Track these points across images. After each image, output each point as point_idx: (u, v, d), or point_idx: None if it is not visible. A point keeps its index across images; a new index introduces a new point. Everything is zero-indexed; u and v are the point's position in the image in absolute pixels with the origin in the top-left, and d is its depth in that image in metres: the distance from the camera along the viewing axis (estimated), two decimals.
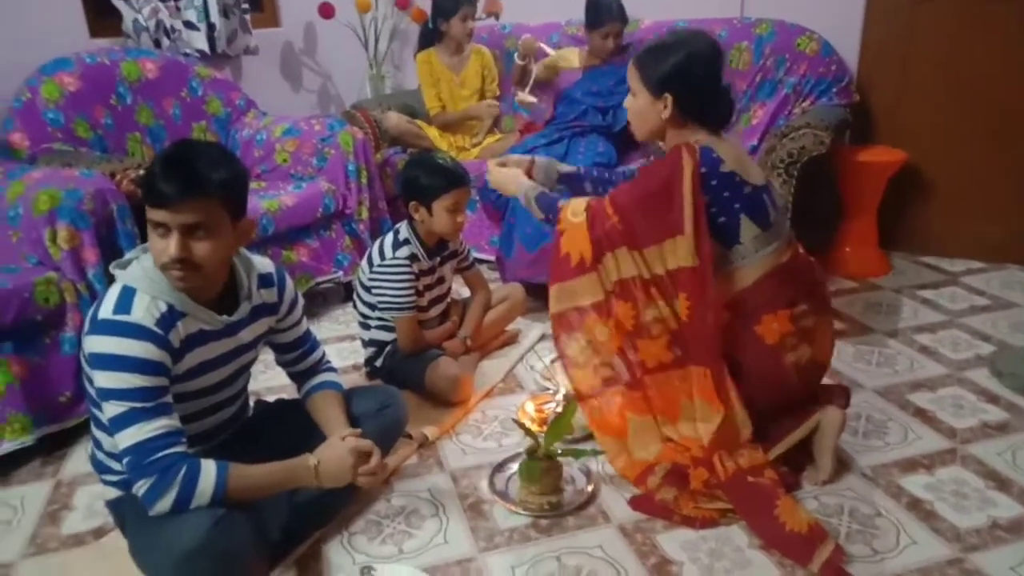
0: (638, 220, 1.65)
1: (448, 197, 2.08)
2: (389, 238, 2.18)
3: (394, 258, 2.12)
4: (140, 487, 1.31)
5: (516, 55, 3.32)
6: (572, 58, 3.21)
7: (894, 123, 3.10)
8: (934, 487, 1.73)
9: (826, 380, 1.86)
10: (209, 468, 1.34)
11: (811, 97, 2.95)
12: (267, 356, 1.71)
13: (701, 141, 1.64)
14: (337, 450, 1.48)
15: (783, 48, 3.00)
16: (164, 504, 1.30)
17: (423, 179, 2.09)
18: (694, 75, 1.64)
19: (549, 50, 3.24)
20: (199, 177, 1.30)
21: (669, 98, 1.64)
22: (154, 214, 1.31)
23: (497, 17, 3.61)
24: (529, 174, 2.04)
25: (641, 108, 1.70)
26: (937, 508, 1.66)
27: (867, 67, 3.11)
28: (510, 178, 1.99)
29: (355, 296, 2.28)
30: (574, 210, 1.75)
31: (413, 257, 2.15)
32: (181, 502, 1.30)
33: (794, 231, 2.47)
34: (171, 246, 1.30)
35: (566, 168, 2.06)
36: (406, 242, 2.15)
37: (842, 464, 1.80)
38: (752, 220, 1.64)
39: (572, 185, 2.05)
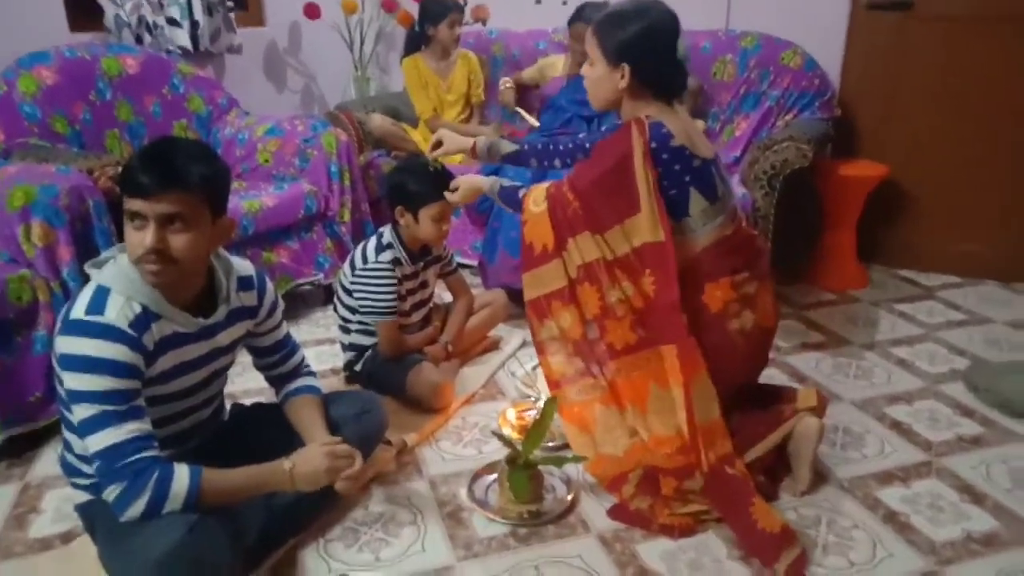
0: (597, 201, 1.67)
1: (435, 206, 2.07)
2: (372, 242, 2.16)
3: (377, 262, 2.11)
4: (111, 492, 1.28)
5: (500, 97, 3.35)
6: (558, 65, 3.22)
7: (876, 138, 3.14)
8: (910, 500, 1.74)
9: (803, 387, 1.87)
10: (182, 472, 1.31)
11: (794, 110, 2.98)
12: (244, 359, 1.68)
13: (652, 115, 1.64)
14: (314, 455, 1.46)
15: (767, 61, 3.02)
16: (135, 510, 1.27)
17: (411, 185, 2.08)
18: (653, 46, 1.64)
19: (526, 115, 3.27)
20: (179, 169, 1.29)
21: (627, 68, 1.63)
22: (132, 203, 1.28)
23: (484, 22, 3.61)
24: (473, 154, 2.04)
25: (599, 77, 1.69)
26: (913, 521, 1.67)
27: (850, 82, 3.15)
28: (470, 183, 1.98)
29: (336, 299, 2.25)
30: (535, 199, 1.78)
31: (396, 261, 2.13)
32: (153, 507, 1.28)
33: (772, 242, 2.52)
34: (147, 236, 1.28)
35: (509, 147, 2.03)
36: (389, 246, 2.13)
37: (819, 475, 1.80)
38: (700, 193, 1.65)
39: (518, 162, 2.04)
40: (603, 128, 3.03)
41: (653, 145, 1.61)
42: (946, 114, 3.00)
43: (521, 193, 1.84)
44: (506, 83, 3.34)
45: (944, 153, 3.04)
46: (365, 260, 2.12)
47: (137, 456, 1.28)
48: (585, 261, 1.70)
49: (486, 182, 1.95)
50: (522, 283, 1.82)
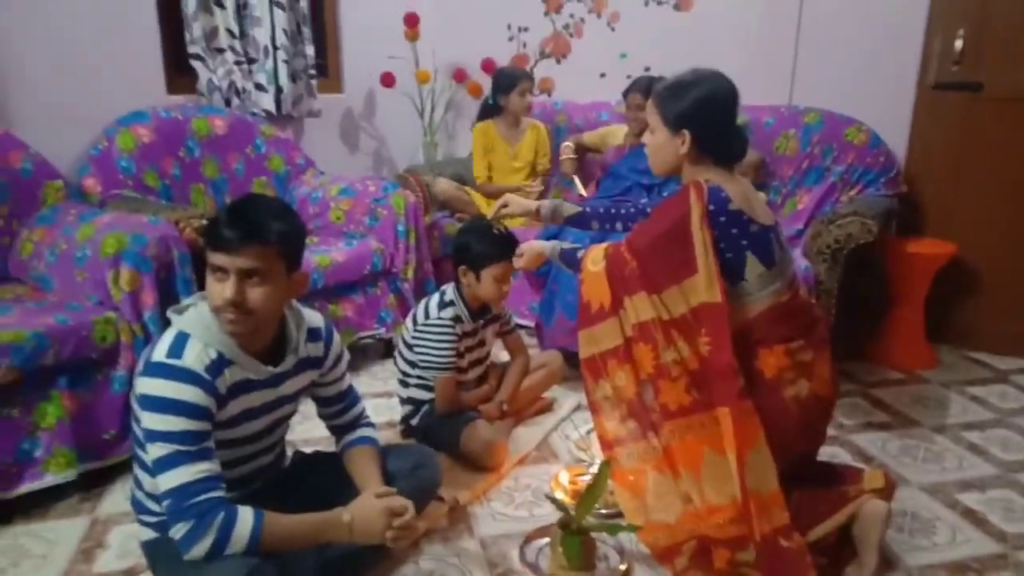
0: (654, 261, 1.68)
1: (497, 267, 2.13)
2: (435, 298, 2.22)
3: (439, 318, 2.16)
4: (178, 530, 1.32)
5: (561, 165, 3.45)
6: (619, 134, 3.30)
7: (943, 216, 3.09)
8: None
9: (869, 468, 1.81)
10: (246, 516, 1.35)
11: (858, 186, 2.97)
12: (306, 408, 1.73)
13: (711, 180, 1.66)
14: (371, 507, 1.48)
15: (831, 137, 3.04)
16: (200, 549, 1.31)
17: (475, 246, 2.15)
18: (712, 113, 1.68)
19: (578, 184, 3.37)
20: (260, 225, 1.36)
21: (687, 135, 1.67)
22: (215, 258, 1.36)
23: (549, 93, 3.74)
24: (537, 217, 2.12)
25: (660, 144, 1.73)
26: None
27: (915, 159, 3.12)
28: (532, 249, 2.04)
29: (396, 353, 2.31)
30: (593, 258, 1.81)
31: (457, 318, 2.18)
32: (217, 548, 1.31)
33: (835, 317, 2.48)
34: (227, 289, 1.35)
35: (572, 209, 2.09)
36: (451, 303, 2.19)
37: (887, 562, 1.73)
38: (758, 258, 1.65)
39: (580, 224, 2.12)
40: (664, 195, 3.10)
41: (711, 208, 1.63)
42: (1013, 194, 2.94)
43: (580, 253, 1.88)
44: (567, 150, 3.43)
45: (1012, 233, 2.97)
46: (427, 315, 2.18)
47: (205, 496, 1.32)
48: (640, 320, 1.71)
49: (547, 246, 2.00)
50: (578, 343, 1.83)
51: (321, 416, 1.73)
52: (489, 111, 3.53)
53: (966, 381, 2.83)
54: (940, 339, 3.11)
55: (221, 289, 1.36)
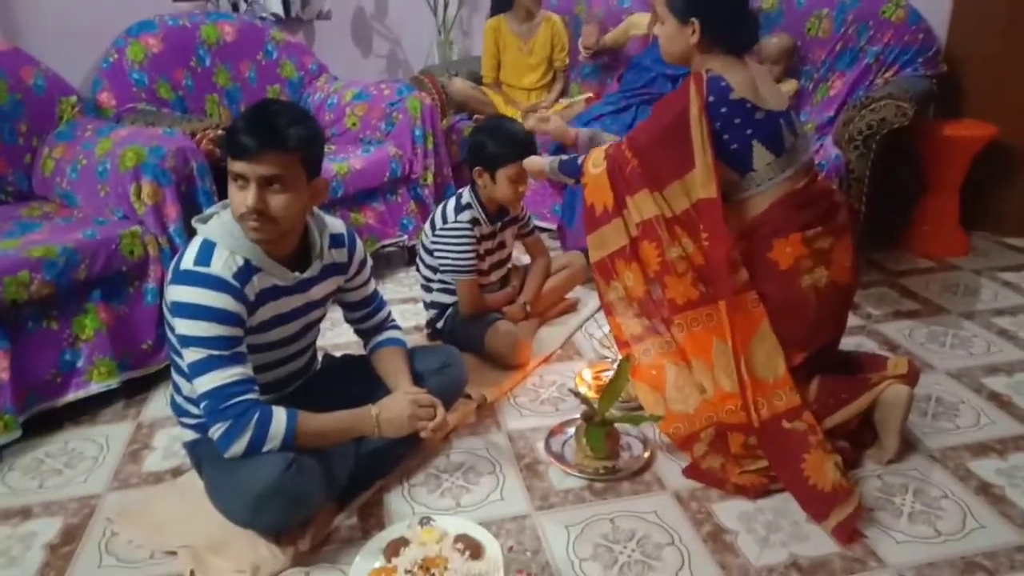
0: (656, 157, 1.67)
1: (512, 167, 2.09)
2: (452, 202, 2.20)
3: (456, 222, 2.15)
4: (216, 431, 1.38)
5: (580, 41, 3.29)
6: (642, 23, 3.15)
7: (984, 97, 2.94)
8: (1006, 472, 1.67)
9: (895, 355, 1.81)
10: (280, 414, 1.40)
11: (895, 67, 2.82)
12: (334, 314, 1.77)
13: (714, 69, 1.62)
14: (398, 402, 1.54)
15: (867, 15, 2.86)
16: (238, 447, 1.37)
17: (490, 146, 2.10)
18: (719, 1, 1.64)
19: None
20: (279, 132, 1.35)
21: (696, 23, 1.63)
22: (235, 166, 1.36)
23: None
24: (573, 144, 2.07)
25: (670, 34, 1.69)
26: (1008, 493, 1.61)
27: (957, 36, 2.94)
28: (533, 167, 2.03)
29: (418, 259, 2.32)
30: (595, 161, 1.78)
31: (475, 221, 2.17)
32: (254, 446, 1.37)
33: (866, 206, 2.41)
34: (249, 197, 1.35)
35: (610, 138, 2.03)
36: (468, 206, 2.17)
37: (908, 445, 1.75)
38: (765, 146, 1.62)
39: None
40: None
41: (711, 99, 1.59)
42: None
43: (580, 160, 1.85)
44: (589, 34, 3.26)
45: None
46: (445, 220, 2.17)
47: (241, 398, 1.38)
48: (644, 218, 1.70)
49: (545, 162, 1.97)
50: (588, 247, 1.82)
51: (348, 321, 1.77)
52: (500, 5, 3.38)
53: (999, 267, 2.78)
54: (974, 225, 3.03)
55: (243, 197, 1.36)
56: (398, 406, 1.53)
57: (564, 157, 1.94)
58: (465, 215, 2.16)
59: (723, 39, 1.65)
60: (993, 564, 1.42)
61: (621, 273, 1.77)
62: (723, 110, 1.60)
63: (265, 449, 1.38)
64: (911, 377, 1.72)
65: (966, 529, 1.51)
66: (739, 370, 1.61)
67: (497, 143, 2.10)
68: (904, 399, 1.67)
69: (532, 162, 2.04)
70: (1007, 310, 2.44)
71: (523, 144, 2.10)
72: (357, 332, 1.78)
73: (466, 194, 2.20)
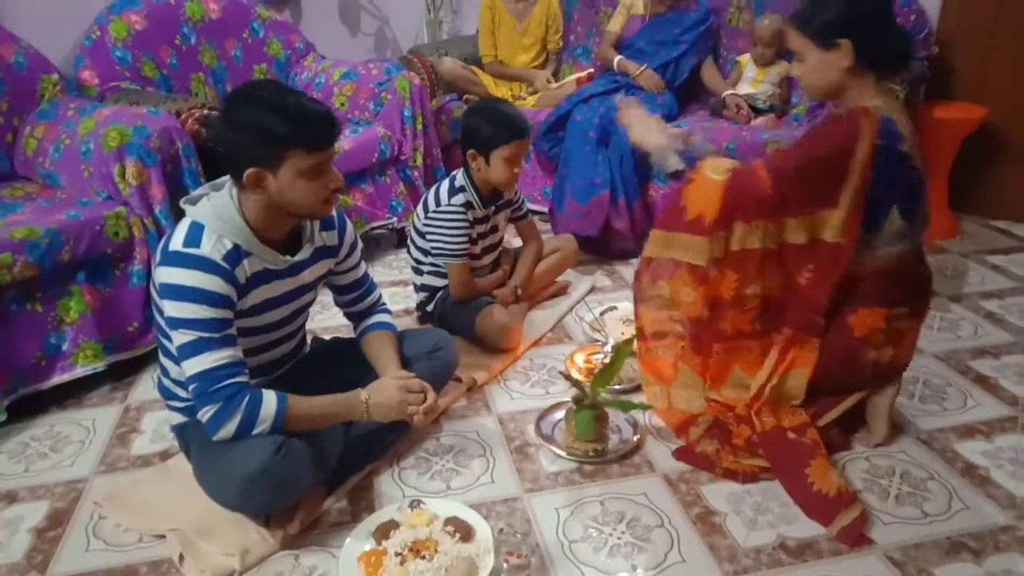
0: (797, 187, 1.50)
1: (507, 148, 2.07)
2: (445, 185, 2.18)
3: (449, 205, 2.13)
4: (205, 413, 1.37)
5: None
6: (638, 3, 3.11)
7: (975, 79, 2.94)
8: (991, 454, 1.69)
9: None
10: (270, 397, 1.39)
11: None
12: (324, 298, 1.75)
13: (881, 109, 1.47)
14: (387, 387, 1.53)
15: None
16: (228, 430, 1.36)
17: (484, 128, 2.08)
18: (867, 11, 1.49)
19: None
20: (334, 117, 1.41)
21: (847, 43, 1.47)
22: (314, 157, 1.37)
23: None
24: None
25: (815, 67, 1.52)
26: (993, 475, 1.62)
27: (950, 18, 2.94)
28: (653, 127, 1.76)
29: (409, 241, 2.30)
30: (715, 167, 1.57)
31: (468, 205, 2.15)
32: (243, 429, 1.36)
33: None
34: (334, 178, 1.43)
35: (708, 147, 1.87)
36: (462, 189, 2.15)
37: (896, 428, 1.76)
38: (900, 212, 1.51)
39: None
40: (688, 66, 2.95)
41: (880, 143, 1.44)
42: None
43: (699, 155, 1.65)
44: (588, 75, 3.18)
45: None
46: (438, 203, 2.15)
47: (230, 381, 1.36)
48: (743, 248, 1.56)
49: (664, 139, 1.69)
50: (649, 239, 1.66)
51: (338, 304, 1.76)
52: None
53: (988, 250, 2.79)
54: (963, 208, 3.05)
55: (325, 181, 1.40)
56: (387, 391, 1.52)
57: (695, 140, 1.75)
58: (459, 198, 2.14)
59: (879, 58, 1.49)
60: (978, 544, 1.44)
61: (678, 287, 1.63)
62: (886, 159, 1.46)
63: (255, 432, 1.37)
64: None
65: (952, 510, 1.53)
66: (762, 389, 1.60)
67: (490, 124, 2.08)
68: (891, 390, 1.68)
69: (651, 125, 1.76)
70: (995, 293, 2.46)
71: (517, 125, 2.08)
72: (347, 315, 1.77)
73: (460, 177, 2.18)
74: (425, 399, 1.55)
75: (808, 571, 1.39)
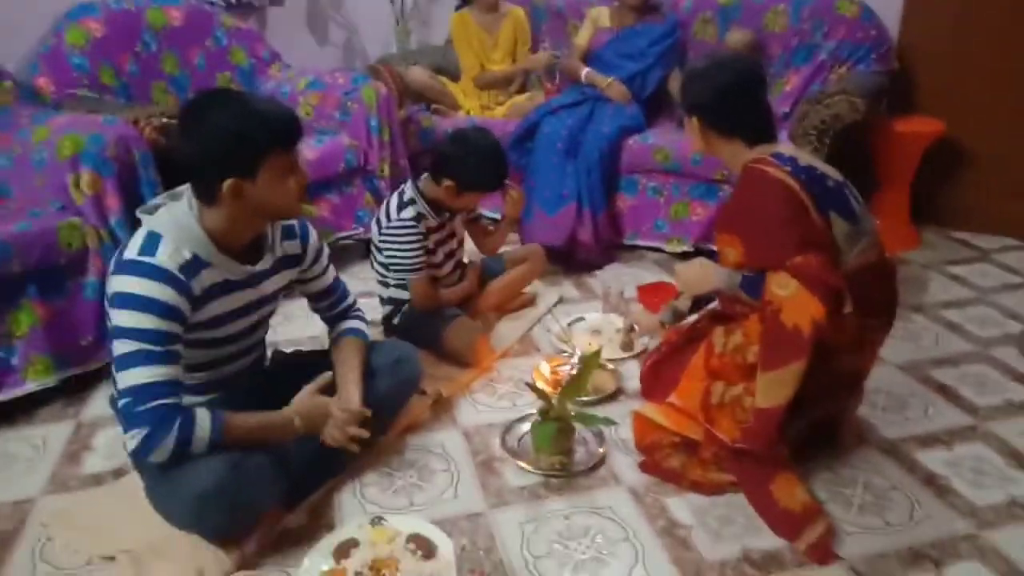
0: (809, 252, 1.45)
1: (486, 194, 2.08)
2: (394, 199, 2.14)
3: (399, 219, 2.09)
4: (133, 437, 1.29)
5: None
6: (604, 16, 3.12)
7: (935, 93, 3.00)
8: (952, 463, 1.70)
9: None
10: (203, 418, 1.33)
11: (848, 63, 2.86)
12: (287, 309, 1.73)
13: (765, 151, 1.54)
14: (314, 406, 1.50)
15: (822, 11, 2.90)
16: (161, 454, 1.30)
17: (476, 171, 2.06)
18: (705, 101, 1.60)
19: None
20: (295, 112, 1.44)
21: (695, 119, 1.63)
22: (288, 157, 1.39)
23: None
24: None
25: (688, 130, 1.68)
26: (954, 484, 1.64)
27: (909, 34, 3.00)
28: (701, 276, 1.68)
29: (371, 256, 2.27)
30: (779, 283, 1.44)
31: (420, 216, 2.11)
32: (179, 450, 1.31)
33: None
34: (305, 172, 1.43)
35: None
36: (411, 202, 2.11)
37: (858, 437, 1.77)
38: (840, 215, 1.52)
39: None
40: (644, 94, 2.97)
41: (802, 177, 1.48)
42: (1009, 70, 2.85)
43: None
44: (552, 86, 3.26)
45: (1005, 110, 2.89)
46: (389, 218, 2.11)
47: (159, 402, 1.29)
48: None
49: (722, 276, 1.60)
50: (758, 384, 1.49)
51: (313, 310, 1.75)
52: None
53: (948, 261, 2.84)
54: (924, 220, 3.09)
55: (297, 178, 1.41)
56: (315, 411, 1.49)
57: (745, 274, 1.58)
58: (408, 212, 2.10)
59: (732, 131, 1.58)
60: (939, 553, 1.45)
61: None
62: (803, 177, 1.49)
63: (194, 452, 1.32)
64: None
65: (914, 520, 1.54)
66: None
67: (485, 171, 2.08)
68: (854, 399, 1.69)
69: (703, 272, 1.67)
70: (955, 303, 2.50)
71: (505, 172, 2.12)
72: (324, 320, 1.75)
73: (408, 189, 2.14)
74: (364, 421, 1.52)
75: None
